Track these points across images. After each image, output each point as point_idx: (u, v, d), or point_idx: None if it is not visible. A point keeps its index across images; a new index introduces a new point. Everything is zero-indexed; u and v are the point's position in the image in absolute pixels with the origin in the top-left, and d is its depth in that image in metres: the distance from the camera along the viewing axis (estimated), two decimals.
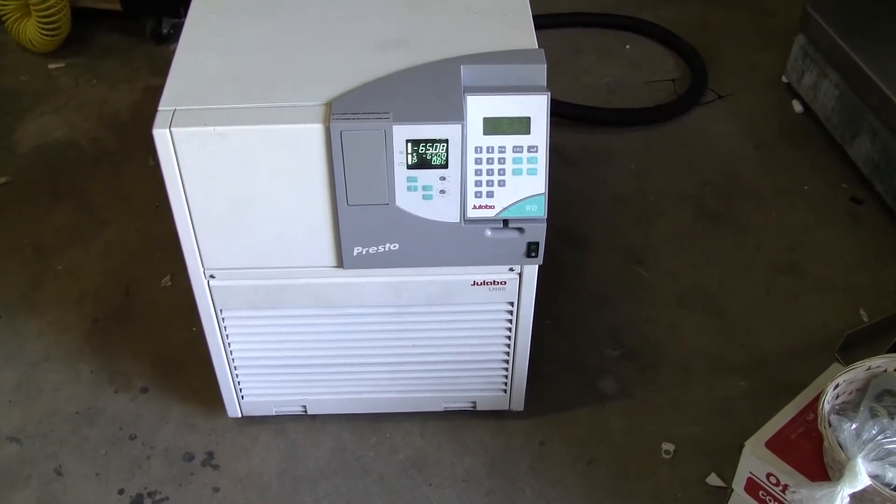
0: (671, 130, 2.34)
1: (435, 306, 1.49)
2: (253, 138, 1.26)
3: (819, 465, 1.30)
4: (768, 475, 1.33)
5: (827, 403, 1.30)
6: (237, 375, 1.61)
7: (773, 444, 1.34)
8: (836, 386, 1.32)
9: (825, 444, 1.28)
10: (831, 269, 1.98)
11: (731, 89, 2.55)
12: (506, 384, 1.64)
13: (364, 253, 1.38)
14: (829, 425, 1.28)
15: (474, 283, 1.46)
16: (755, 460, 1.33)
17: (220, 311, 1.49)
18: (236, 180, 1.30)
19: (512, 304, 1.50)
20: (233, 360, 1.58)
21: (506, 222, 1.37)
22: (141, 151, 2.34)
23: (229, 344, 1.55)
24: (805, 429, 1.36)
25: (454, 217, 1.34)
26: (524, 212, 1.34)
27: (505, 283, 1.47)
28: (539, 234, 1.37)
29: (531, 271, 1.45)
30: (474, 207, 1.34)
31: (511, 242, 1.39)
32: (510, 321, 1.52)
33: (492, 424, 1.67)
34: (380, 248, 1.38)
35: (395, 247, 1.38)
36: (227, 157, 1.27)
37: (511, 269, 1.46)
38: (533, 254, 1.40)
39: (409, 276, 1.45)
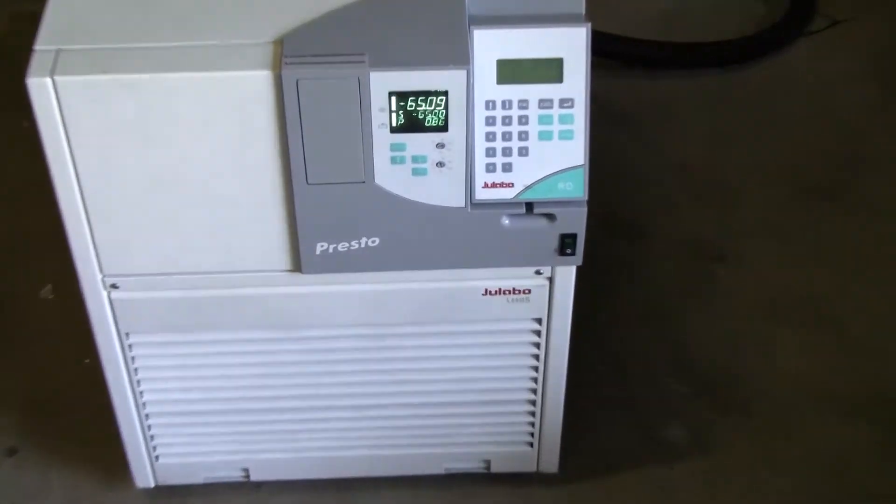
0: (759, 73, 2.45)
1: (431, 326, 1.53)
2: (172, 90, 1.26)
3: None
4: None
5: None
6: (149, 427, 1.63)
7: None
8: None
9: None
10: None
11: (850, 12, 2.56)
12: (532, 436, 1.66)
13: (330, 251, 1.41)
14: None
15: (487, 293, 1.50)
16: None
17: (126, 335, 1.50)
18: (149, 150, 1.31)
19: (539, 321, 1.53)
20: (143, 405, 1.60)
21: (530, 206, 1.40)
22: (9, 110, 2.32)
23: (138, 382, 1.57)
24: None
25: (458, 200, 1.38)
26: (556, 191, 1.37)
27: (529, 291, 1.50)
28: (577, 222, 1.40)
29: (566, 275, 1.48)
30: (486, 186, 1.37)
31: (538, 235, 1.42)
32: (537, 346, 1.55)
33: (512, 493, 1.69)
34: (352, 244, 1.41)
35: (373, 242, 1.41)
36: (136, 117, 1.28)
37: (538, 273, 1.49)
38: (569, 250, 1.43)
39: (393, 283, 1.48)
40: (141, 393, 1.59)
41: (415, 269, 1.47)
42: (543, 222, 1.42)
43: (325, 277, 1.46)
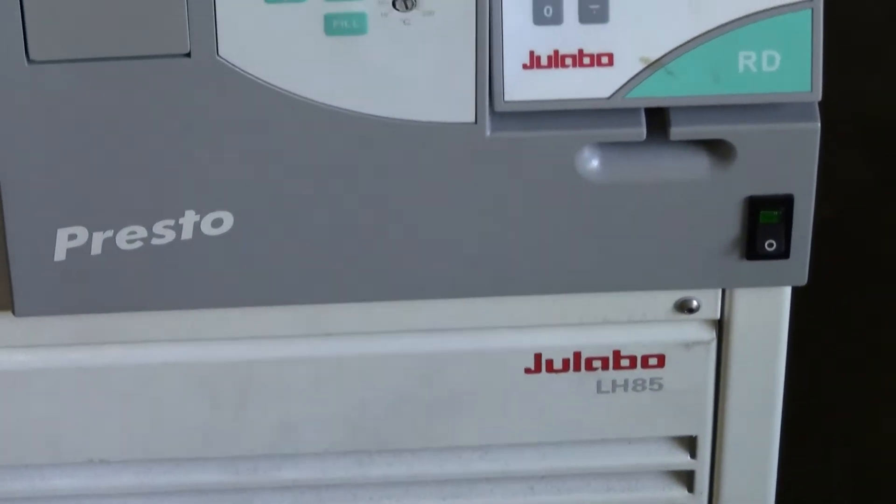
0: None
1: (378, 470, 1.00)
2: None
3: None
4: None
5: None
6: None
7: None
8: None
9: None
10: None
11: None
12: None
13: (95, 255, 0.87)
14: None
15: (534, 370, 0.94)
16: None
17: None
18: None
19: (689, 444, 0.99)
20: None
21: (658, 122, 0.84)
22: None
23: None
24: None
25: (458, 107, 0.84)
26: (732, 80, 0.84)
27: (662, 363, 0.95)
28: (797, 166, 0.85)
29: (768, 311, 0.94)
30: (529, 66, 0.84)
31: (685, 204, 0.87)
32: None
33: None
34: (157, 230, 0.86)
35: (218, 225, 0.87)
36: None
37: (685, 308, 0.93)
38: (772, 242, 0.88)
39: (270, 348, 0.93)
40: None
41: (335, 300, 0.90)
42: (700, 165, 0.87)
43: (91, 329, 0.89)
